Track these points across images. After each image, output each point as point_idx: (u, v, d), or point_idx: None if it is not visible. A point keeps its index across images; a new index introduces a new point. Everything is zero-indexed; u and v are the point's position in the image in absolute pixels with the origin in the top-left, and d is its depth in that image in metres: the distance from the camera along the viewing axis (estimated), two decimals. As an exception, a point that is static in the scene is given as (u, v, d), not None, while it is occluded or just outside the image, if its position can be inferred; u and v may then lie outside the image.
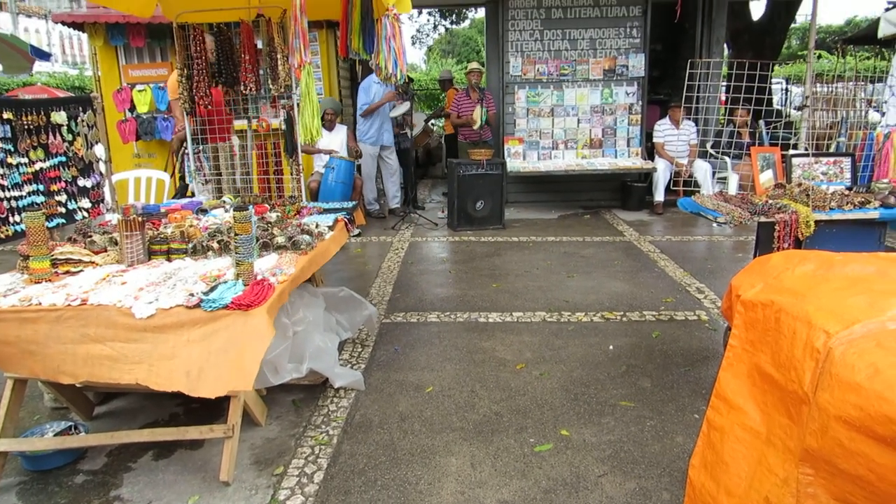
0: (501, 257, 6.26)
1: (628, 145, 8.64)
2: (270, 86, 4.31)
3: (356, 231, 7.00)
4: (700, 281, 5.36)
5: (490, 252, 6.47)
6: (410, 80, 10.80)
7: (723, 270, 5.67)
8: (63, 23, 7.54)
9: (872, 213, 3.13)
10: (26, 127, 3.19)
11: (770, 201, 3.30)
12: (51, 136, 3.33)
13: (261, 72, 4.39)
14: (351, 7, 4.49)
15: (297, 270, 2.93)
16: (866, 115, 14.38)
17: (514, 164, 8.36)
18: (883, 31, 6.35)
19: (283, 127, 4.40)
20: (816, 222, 3.12)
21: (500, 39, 8.54)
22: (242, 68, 4.32)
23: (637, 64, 8.49)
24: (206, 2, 4.37)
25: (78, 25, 7.66)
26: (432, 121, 10.96)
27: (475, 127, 7.92)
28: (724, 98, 13.29)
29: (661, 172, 8.18)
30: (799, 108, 15.82)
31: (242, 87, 4.32)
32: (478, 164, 7.37)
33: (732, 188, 8.02)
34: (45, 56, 9.32)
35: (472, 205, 7.40)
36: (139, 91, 7.76)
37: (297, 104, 4.14)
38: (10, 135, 3.09)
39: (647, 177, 8.67)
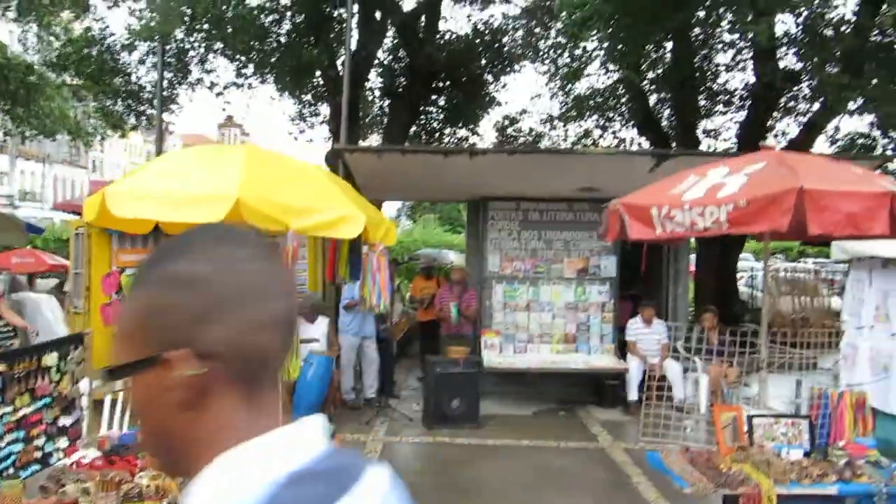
0: (475, 467, 6.23)
1: (601, 342, 8.91)
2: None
3: (331, 428, 6.98)
4: (674, 506, 5.34)
5: (464, 459, 6.43)
6: (397, 263, 11.17)
7: (707, 498, 5.67)
8: (63, 210, 7.91)
9: (831, 489, 3.26)
10: (16, 376, 3.28)
11: (733, 469, 3.43)
12: (39, 380, 3.42)
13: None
14: (340, 240, 4.82)
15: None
16: (830, 304, 14.92)
17: (491, 356, 8.52)
18: (835, 256, 6.84)
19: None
20: (779, 495, 3.23)
21: (480, 236, 9.02)
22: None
23: (609, 265, 8.96)
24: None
25: (77, 212, 8.03)
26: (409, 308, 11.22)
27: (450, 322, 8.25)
28: (692, 268, 13.85)
29: (634, 371, 8.37)
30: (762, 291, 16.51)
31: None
32: (454, 362, 7.52)
33: (703, 390, 8.21)
34: (38, 231, 9.66)
35: (447, 403, 7.44)
36: (128, 275, 7.97)
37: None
38: (1, 387, 3.18)
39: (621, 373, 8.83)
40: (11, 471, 3.16)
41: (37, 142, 20.83)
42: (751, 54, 12.18)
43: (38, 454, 3.42)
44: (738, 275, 16.04)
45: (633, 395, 8.38)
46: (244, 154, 4.13)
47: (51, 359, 3.52)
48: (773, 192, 3.17)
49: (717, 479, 3.36)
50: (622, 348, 8.92)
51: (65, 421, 3.62)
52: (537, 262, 8.95)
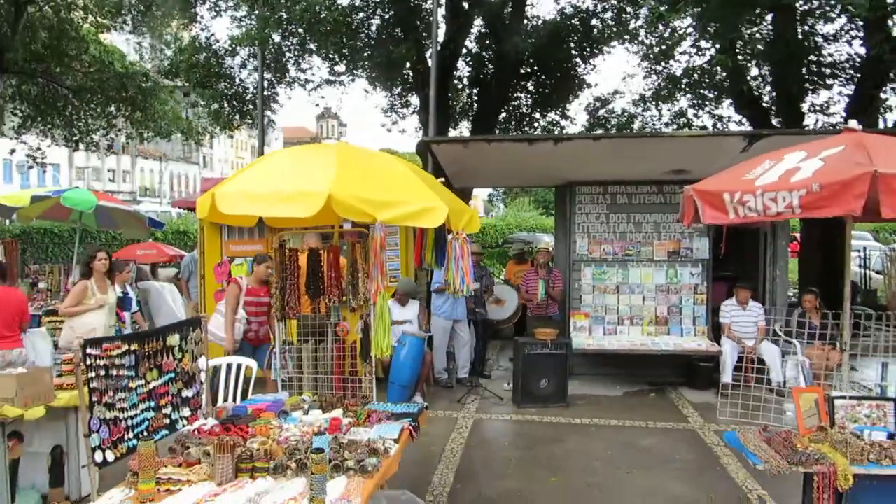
0: (563, 444, 6.41)
1: (694, 324, 8.81)
2: (350, 299, 4.89)
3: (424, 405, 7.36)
4: (762, 486, 5.32)
5: (552, 436, 6.63)
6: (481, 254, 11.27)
7: (787, 477, 5.61)
8: (180, 207, 8.68)
9: (913, 471, 3.24)
10: (146, 354, 3.79)
11: (810, 448, 3.46)
12: (164, 358, 3.93)
13: (343, 285, 5.00)
14: (426, 229, 5.12)
15: (363, 500, 3.27)
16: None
17: (580, 338, 8.62)
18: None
19: (361, 335, 4.93)
20: (855, 475, 3.24)
21: (568, 220, 9.10)
22: (328, 283, 4.94)
23: (701, 247, 8.82)
24: (303, 223, 5.09)
25: (192, 209, 8.78)
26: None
27: (536, 301, 8.42)
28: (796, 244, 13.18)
29: (728, 354, 8.23)
30: (879, 272, 15.47)
31: (326, 300, 4.92)
32: (542, 344, 7.70)
33: (803, 373, 7.95)
34: (159, 225, 10.56)
35: (536, 383, 7.65)
36: (237, 265, 8.68)
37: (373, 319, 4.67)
38: (134, 363, 3.69)
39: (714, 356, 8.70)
40: (145, 434, 3.69)
41: (154, 142, 22.58)
42: (860, 23, 11.46)
43: (167, 421, 3.93)
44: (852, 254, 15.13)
45: (727, 377, 8.24)
46: (335, 152, 4.50)
47: (173, 339, 4.02)
48: (846, 176, 3.16)
49: (791, 458, 3.40)
50: (716, 330, 8.78)
51: (187, 393, 4.13)
52: (626, 245, 8.94)
